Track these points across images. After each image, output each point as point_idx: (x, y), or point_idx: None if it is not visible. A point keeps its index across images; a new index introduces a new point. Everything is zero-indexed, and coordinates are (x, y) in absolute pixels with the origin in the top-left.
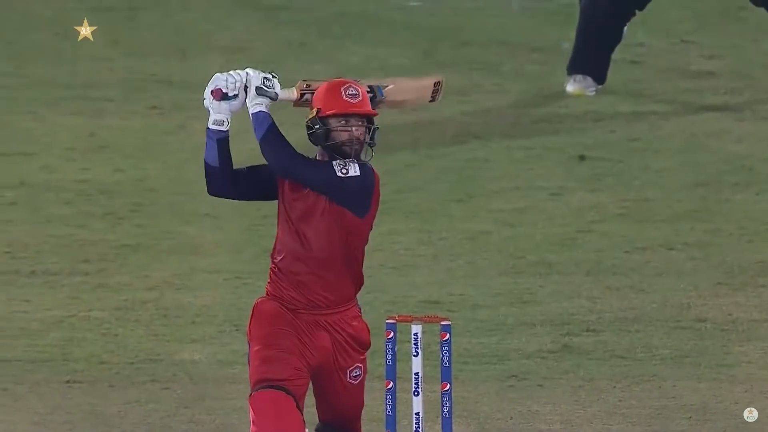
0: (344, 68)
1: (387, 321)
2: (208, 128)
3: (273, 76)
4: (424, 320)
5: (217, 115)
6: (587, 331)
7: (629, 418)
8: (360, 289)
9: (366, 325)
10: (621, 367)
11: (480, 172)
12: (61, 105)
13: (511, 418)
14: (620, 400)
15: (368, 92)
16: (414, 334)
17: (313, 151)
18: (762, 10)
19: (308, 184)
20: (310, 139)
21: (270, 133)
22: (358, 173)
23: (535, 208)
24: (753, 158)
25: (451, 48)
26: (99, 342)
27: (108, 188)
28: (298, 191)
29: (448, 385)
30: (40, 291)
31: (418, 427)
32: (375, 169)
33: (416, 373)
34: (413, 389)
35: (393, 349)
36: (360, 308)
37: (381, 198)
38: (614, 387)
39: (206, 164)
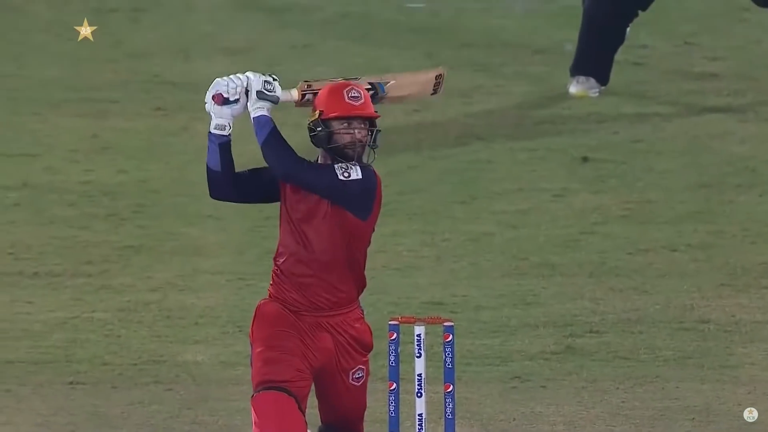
0: (347, 70)
1: (390, 322)
2: (210, 133)
3: (274, 79)
4: (427, 321)
5: (219, 119)
6: (590, 332)
7: (632, 419)
8: (362, 291)
9: (368, 326)
10: (624, 368)
11: (483, 174)
12: (64, 106)
13: (514, 419)
14: (623, 402)
15: (369, 89)
16: (417, 336)
17: (315, 153)
18: (765, 11)
19: (310, 189)
20: (312, 141)
21: (272, 138)
22: (360, 176)
23: (538, 209)
24: (756, 160)
25: (453, 49)
26: (102, 343)
27: (111, 189)
28: (299, 193)
29: (451, 387)
30: (43, 292)
31: (421, 429)
32: (377, 172)
33: (419, 375)
34: (416, 390)
35: (396, 350)
36: (363, 310)
37: (384, 199)
38: (617, 388)
39: (208, 169)
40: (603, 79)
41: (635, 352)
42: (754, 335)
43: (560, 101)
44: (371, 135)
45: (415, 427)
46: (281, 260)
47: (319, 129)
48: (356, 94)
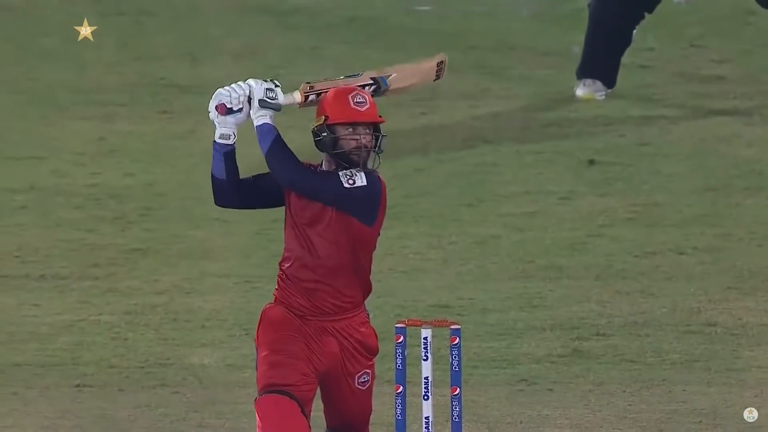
0: (352, 72)
1: (397, 325)
2: (214, 142)
3: (276, 85)
4: (433, 324)
5: (224, 129)
6: (597, 335)
7: (639, 422)
8: (368, 295)
9: (374, 330)
10: (631, 371)
11: (490, 177)
12: (71, 109)
13: (521, 422)
14: (630, 405)
15: (372, 84)
16: (424, 338)
17: (319, 157)
18: None
19: (315, 197)
20: (316, 146)
21: (275, 146)
22: (364, 183)
23: (544, 212)
24: (763, 163)
25: (460, 52)
26: (109, 346)
27: (118, 192)
28: (304, 199)
29: (458, 390)
30: (49, 295)
31: None
32: (381, 177)
33: (426, 378)
34: (423, 393)
35: (403, 353)
36: (368, 314)
37: (390, 202)
38: (624, 391)
39: (213, 177)
40: (609, 82)
41: (642, 355)
42: (761, 338)
43: (567, 104)
44: (376, 140)
45: (421, 430)
46: (287, 265)
47: (324, 134)
48: (361, 100)
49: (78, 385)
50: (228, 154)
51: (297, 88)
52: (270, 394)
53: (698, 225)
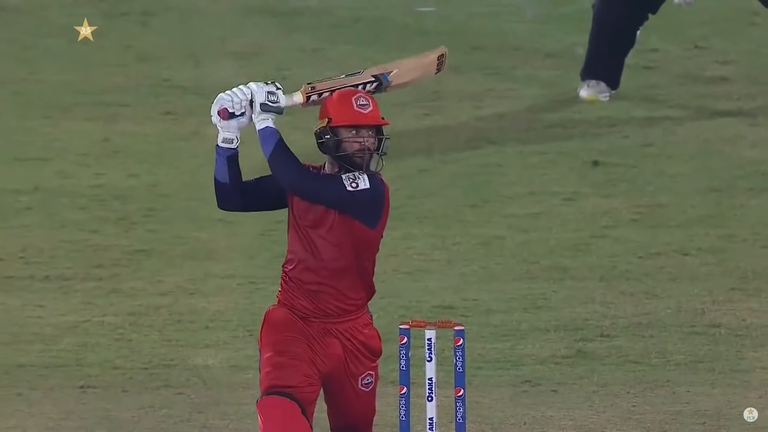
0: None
1: (401, 326)
2: (217, 146)
3: (277, 88)
4: (437, 325)
5: (226, 133)
6: (601, 336)
7: (643, 423)
8: (371, 297)
9: (377, 332)
10: (635, 372)
11: (494, 178)
12: (75, 110)
13: (525, 423)
14: (634, 406)
15: (374, 81)
16: (428, 339)
17: (322, 159)
18: None
19: (318, 201)
20: (319, 148)
21: (278, 150)
22: (367, 186)
23: (548, 213)
24: (767, 164)
25: (464, 53)
26: (113, 347)
27: (122, 193)
28: (307, 202)
29: (462, 391)
30: (53, 296)
31: None
32: (384, 179)
33: (430, 379)
34: (427, 394)
35: (407, 354)
36: (371, 315)
37: (394, 203)
38: (628, 392)
39: (216, 181)
40: (614, 83)
41: (646, 357)
42: (765, 339)
43: (571, 105)
44: (379, 143)
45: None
46: (290, 267)
47: (327, 137)
48: (364, 102)
49: (82, 386)
50: (231, 158)
51: (299, 89)
52: (272, 395)
53: (702, 226)
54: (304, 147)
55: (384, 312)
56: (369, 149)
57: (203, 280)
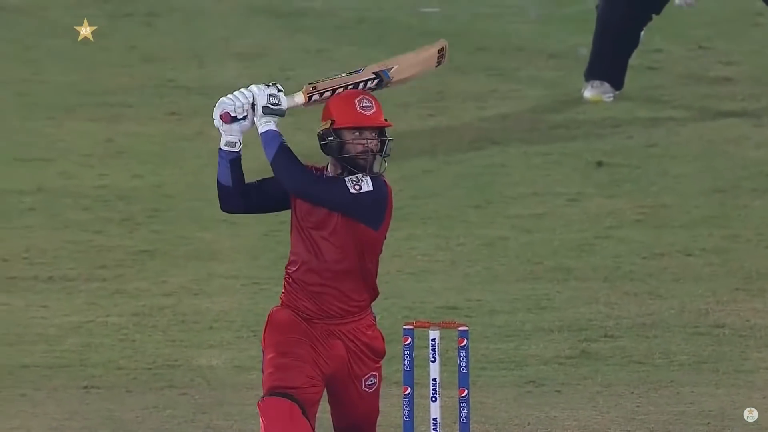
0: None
1: (404, 327)
2: (220, 149)
3: (279, 90)
4: (441, 326)
5: (229, 137)
6: (605, 336)
7: (647, 424)
8: (375, 299)
9: (380, 333)
10: (639, 372)
11: (497, 178)
12: (79, 111)
13: (529, 423)
14: (638, 406)
15: (375, 78)
16: (431, 340)
17: (325, 160)
18: None
19: (321, 203)
20: (322, 150)
21: (281, 153)
22: (371, 188)
23: (552, 213)
24: None
25: (468, 54)
26: (116, 348)
27: (125, 194)
28: (310, 204)
29: (466, 391)
30: (57, 297)
31: None
32: (387, 181)
33: (434, 379)
34: (431, 395)
35: (410, 354)
36: (375, 316)
37: (398, 204)
38: (632, 393)
39: (219, 184)
40: (617, 83)
41: (650, 357)
42: None
43: (575, 106)
44: (382, 144)
45: None
46: (293, 269)
47: (330, 138)
48: (367, 104)
49: (86, 387)
50: (234, 161)
51: (301, 90)
52: (273, 396)
53: (706, 226)
54: (307, 149)
55: (388, 313)
56: (372, 151)
57: (207, 281)
